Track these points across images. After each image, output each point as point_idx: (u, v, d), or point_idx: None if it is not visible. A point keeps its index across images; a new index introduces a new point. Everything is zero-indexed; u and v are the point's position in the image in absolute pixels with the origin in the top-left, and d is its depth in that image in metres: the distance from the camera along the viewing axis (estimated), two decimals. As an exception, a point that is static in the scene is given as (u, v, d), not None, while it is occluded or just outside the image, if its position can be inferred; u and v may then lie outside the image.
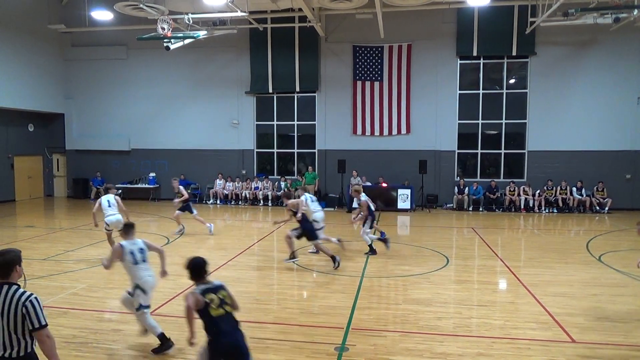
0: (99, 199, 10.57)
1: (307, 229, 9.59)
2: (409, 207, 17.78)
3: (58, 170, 22.25)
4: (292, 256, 9.80)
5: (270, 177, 19.96)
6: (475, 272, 9.67)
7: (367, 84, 19.22)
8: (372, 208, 10.69)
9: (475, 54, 18.34)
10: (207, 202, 19.84)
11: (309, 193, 11.16)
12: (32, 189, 21.16)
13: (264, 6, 17.10)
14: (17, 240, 12.08)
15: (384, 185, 18.21)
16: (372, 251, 10.56)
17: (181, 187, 13.05)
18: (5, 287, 3.31)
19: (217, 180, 19.81)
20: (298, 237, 9.74)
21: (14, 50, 18.54)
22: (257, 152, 20.55)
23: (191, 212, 12.93)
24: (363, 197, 10.48)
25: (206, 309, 4.14)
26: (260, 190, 19.33)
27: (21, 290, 3.34)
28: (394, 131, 19.14)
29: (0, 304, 3.27)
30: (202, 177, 20.34)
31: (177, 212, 13.09)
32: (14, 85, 18.57)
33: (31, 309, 3.29)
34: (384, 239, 10.61)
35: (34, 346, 3.41)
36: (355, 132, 19.44)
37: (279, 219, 12.14)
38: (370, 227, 10.60)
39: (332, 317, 6.66)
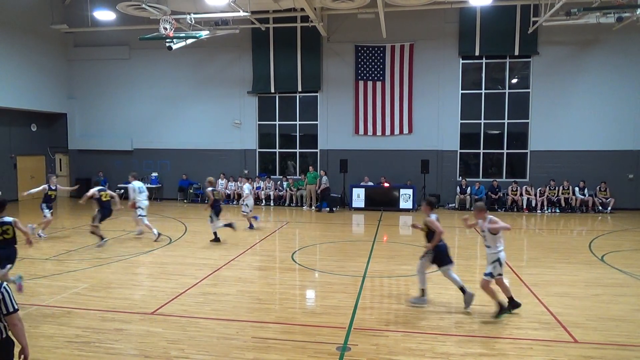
0: (131, 185, 12.23)
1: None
2: (411, 207, 17.77)
3: (61, 170, 22.29)
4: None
5: (272, 177, 19.98)
6: (478, 272, 9.64)
7: (369, 83, 19.22)
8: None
9: (477, 53, 18.31)
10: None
11: (138, 182, 12.46)
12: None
13: (266, 6, 17.11)
14: (19, 240, 12.07)
15: (386, 185, 18.21)
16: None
17: (208, 191, 12.01)
18: None
19: (220, 180, 19.83)
20: None
21: (17, 50, 18.59)
22: (259, 152, 20.57)
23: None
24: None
25: None
26: (262, 190, 19.34)
27: None
28: (396, 131, 19.13)
29: None
30: (205, 177, 20.26)
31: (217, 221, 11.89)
32: (17, 85, 18.62)
33: (6, 296, 3.60)
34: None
35: (8, 333, 3.71)
36: (357, 132, 19.44)
37: None
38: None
39: (334, 317, 6.66)
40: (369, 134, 19.34)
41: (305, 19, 17.98)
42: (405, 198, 17.88)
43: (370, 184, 18.49)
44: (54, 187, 12.50)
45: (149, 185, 20.47)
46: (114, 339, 5.91)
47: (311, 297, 8.03)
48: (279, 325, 6.38)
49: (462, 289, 6.97)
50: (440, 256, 7.06)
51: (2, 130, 19.63)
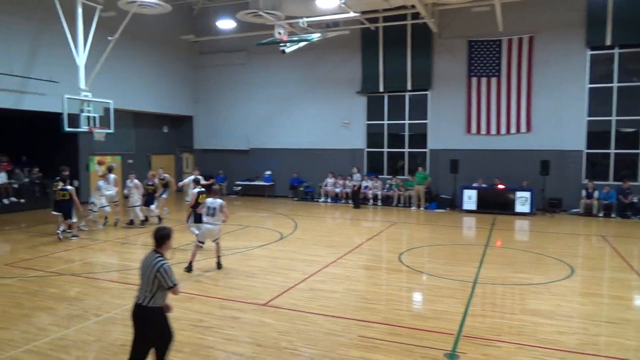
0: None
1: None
2: (528, 210, 16.61)
3: (187, 168, 24.44)
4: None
5: (380, 176, 19.96)
6: (605, 285, 8.78)
7: (483, 80, 18.32)
8: None
9: (608, 43, 16.51)
10: (318, 200, 20.40)
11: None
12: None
13: (376, 5, 17.12)
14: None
15: (501, 187, 17.23)
16: None
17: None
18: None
19: (328, 179, 20.29)
20: None
21: (152, 60, 20.77)
22: (367, 151, 20.66)
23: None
24: None
25: None
26: (370, 189, 19.40)
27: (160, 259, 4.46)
28: (512, 129, 18.01)
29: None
30: (314, 175, 20.96)
31: None
32: (152, 91, 20.80)
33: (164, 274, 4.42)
34: None
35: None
36: (469, 131, 18.65)
37: None
38: None
39: (442, 322, 6.50)
40: (482, 132, 18.45)
41: (415, 15, 17.68)
42: (522, 201, 16.75)
43: (484, 185, 17.63)
44: (150, 183, 14.04)
45: (262, 183, 21.75)
46: (230, 325, 6.36)
47: (418, 300, 7.90)
48: (385, 326, 6.38)
49: None
50: None
51: (140, 131, 22.06)
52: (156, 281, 4.38)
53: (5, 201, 16.36)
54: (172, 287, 4.45)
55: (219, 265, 9.28)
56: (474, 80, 18.44)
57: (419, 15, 16.73)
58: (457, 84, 18.72)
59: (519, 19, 17.33)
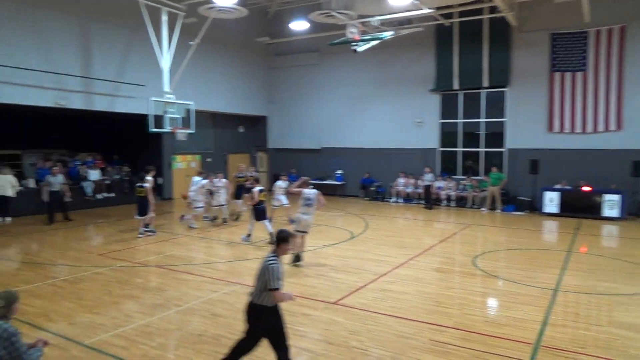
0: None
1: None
2: (617, 215, 15.38)
3: (262, 167, 25.20)
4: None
5: (453, 177, 19.41)
6: None
7: (567, 75, 17.22)
8: None
9: None
10: (389, 200, 20.22)
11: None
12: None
13: (451, 1, 16.61)
14: (229, 225, 14.06)
15: (587, 189, 16.11)
16: None
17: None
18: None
19: (400, 179, 20.04)
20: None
21: (229, 62, 21.62)
22: (440, 150, 20.17)
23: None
24: None
25: None
26: (443, 190, 18.92)
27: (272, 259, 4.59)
28: (600, 127, 16.77)
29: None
30: (385, 175, 20.80)
31: None
32: (230, 93, 21.66)
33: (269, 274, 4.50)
34: None
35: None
36: (551, 129, 17.62)
37: None
38: None
39: (518, 330, 6.22)
40: (565, 131, 17.36)
41: (493, 9, 16.97)
42: (610, 205, 15.55)
43: (567, 187, 16.57)
44: (241, 175, 14.80)
45: (333, 182, 21.91)
46: (301, 322, 6.50)
47: (493, 306, 7.61)
48: (457, 331, 6.22)
49: None
50: None
51: (217, 132, 23.05)
52: (263, 280, 4.48)
53: (99, 196, 17.79)
54: (273, 290, 4.44)
55: (300, 258, 9.46)
56: (557, 75, 17.39)
57: (497, 9, 16.05)
58: (538, 79, 17.75)
59: (608, 9, 16.12)
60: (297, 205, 10.12)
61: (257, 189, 11.36)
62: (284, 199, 13.77)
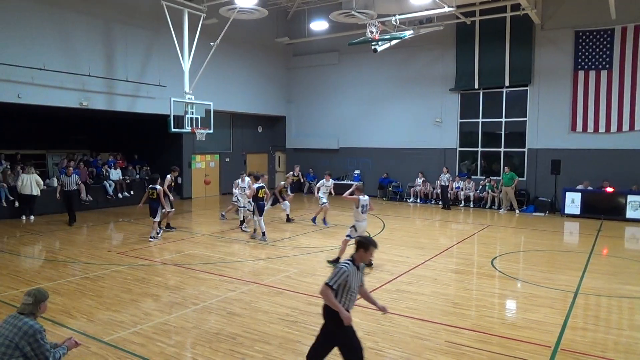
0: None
1: None
2: (643, 216, 15.03)
3: (279, 166, 25.31)
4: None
5: (473, 177, 19.18)
6: None
7: (592, 73, 16.87)
8: None
9: None
10: (407, 200, 20.09)
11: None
12: (258, 181, 24.47)
13: (472, -1, 16.47)
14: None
15: (610, 190, 15.75)
16: None
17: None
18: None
19: (418, 179, 19.89)
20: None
21: (249, 63, 21.75)
22: (459, 150, 19.96)
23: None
24: None
25: None
26: (462, 190, 18.72)
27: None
28: (625, 127, 16.39)
29: None
30: (403, 175, 20.68)
31: None
32: (249, 93, 21.80)
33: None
34: None
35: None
36: (574, 128, 17.28)
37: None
38: None
39: (537, 333, 6.12)
40: (589, 130, 17.01)
41: (515, 7, 16.71)
42: (635, 206, 15.17)
43: (590, 188, 16.23)
44: (297, 174, 15.56)
45: (351, 182, 21.84)
46: (317, 322, 6.48)
47: (512, 308, 7.51)
48: (474, 333, 6.15)
49: None
50: None
51: (237, 131, 23.24)
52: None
53: (120, 195, 18.10)
54: (325, 284, 4.37)
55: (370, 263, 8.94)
56: (581, 73, 17.05)
57: (520, 7, 15.81)
58: (561, 78, 17.43)
59: (635, 5, 15.74)
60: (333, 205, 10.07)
61: (255, 186, 11.73)
62: (324, 199, 13.96)
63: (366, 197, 9.51)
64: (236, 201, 13.97)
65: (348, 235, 9.42)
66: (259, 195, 11.69)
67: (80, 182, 15.03)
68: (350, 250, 4.96)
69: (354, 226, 9.44)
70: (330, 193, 14.21)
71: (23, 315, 4.06)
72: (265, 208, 12.31)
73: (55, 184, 16.05)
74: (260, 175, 12.42)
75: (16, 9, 13.72)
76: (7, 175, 15.22)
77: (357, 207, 9.35)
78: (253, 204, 11.90)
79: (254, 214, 12.04)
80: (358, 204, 9.33)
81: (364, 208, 9.38)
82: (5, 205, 14.79)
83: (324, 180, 14.21)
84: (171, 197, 12.86)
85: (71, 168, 14.54)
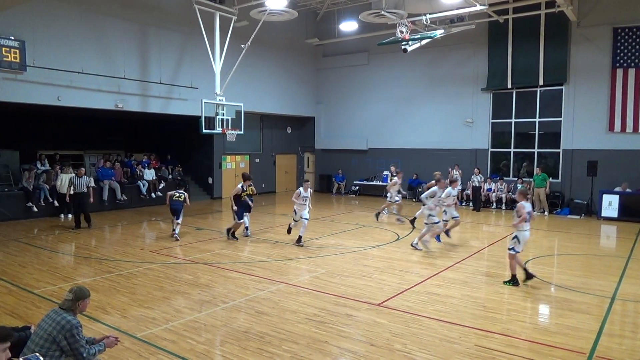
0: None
1: None
2: (685, 220, 14.41)
3: (308, 167, 25.41)
4: None
5: (505, 178, 18.79)
6: None
7: (631, 71, 16.28)
8: None
9: None
10: (438, 201, 19.81)
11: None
12: (287, 182, 24.69)
13: (506, -4, 16.14)
14: (274, 225, 14.30)
15: (650, 192, 15.18)
16: None
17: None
18: None
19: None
20: None
21: (279, 64, 21.94)
22: (491, 151, 19.58)
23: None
24: None
25: None
26: (494, 192, 18.36)
27: None
28: (667, 127, 15.75)
29: None
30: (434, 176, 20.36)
31: None
32: (278, 94, 21.99)
33: None
34: None
35: None
36: (612, 128, 16.71)
37: None
38: None
39: (571, 339, 5.95)
40: (628, 130, 16.42)
41: (550, 4, 16.29)
42: (678, 209, 14.58)
43: (629, 190, 15.67)
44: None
45: (380, 183, 21.75)
46: (344, 322, 6.51)
47: (544, 313, 7.32)
48: (505, 338, 6.03)
49: None
50: None
51: (267, 132, 23.46)
52: None
53: (153, 195, 18.52)
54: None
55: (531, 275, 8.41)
56: (620, 71, 16.48)
57: (555, 4, 15.40)
58: (598, 76, 16.89)
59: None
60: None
61: (240, 185, 11.92)
62: (395, 195, 14.40)
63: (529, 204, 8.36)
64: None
65: (512, 249, 8.27)
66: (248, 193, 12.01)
67: (90, 185, 14.48)
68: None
69: (516, 237, 8.26)
70: (398, 191, 14.63)
71: (63, 310, 4.21)
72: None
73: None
74: (249, 176, 12.73)
75: (56, 16, 14.26)
76: (51, 176, 15.78)
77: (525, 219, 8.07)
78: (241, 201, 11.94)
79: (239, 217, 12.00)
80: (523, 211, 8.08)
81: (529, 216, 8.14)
82: (43, 204, 15.35)
83: (396, 178, 14.57)
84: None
85: (83, 169, 14.07)
